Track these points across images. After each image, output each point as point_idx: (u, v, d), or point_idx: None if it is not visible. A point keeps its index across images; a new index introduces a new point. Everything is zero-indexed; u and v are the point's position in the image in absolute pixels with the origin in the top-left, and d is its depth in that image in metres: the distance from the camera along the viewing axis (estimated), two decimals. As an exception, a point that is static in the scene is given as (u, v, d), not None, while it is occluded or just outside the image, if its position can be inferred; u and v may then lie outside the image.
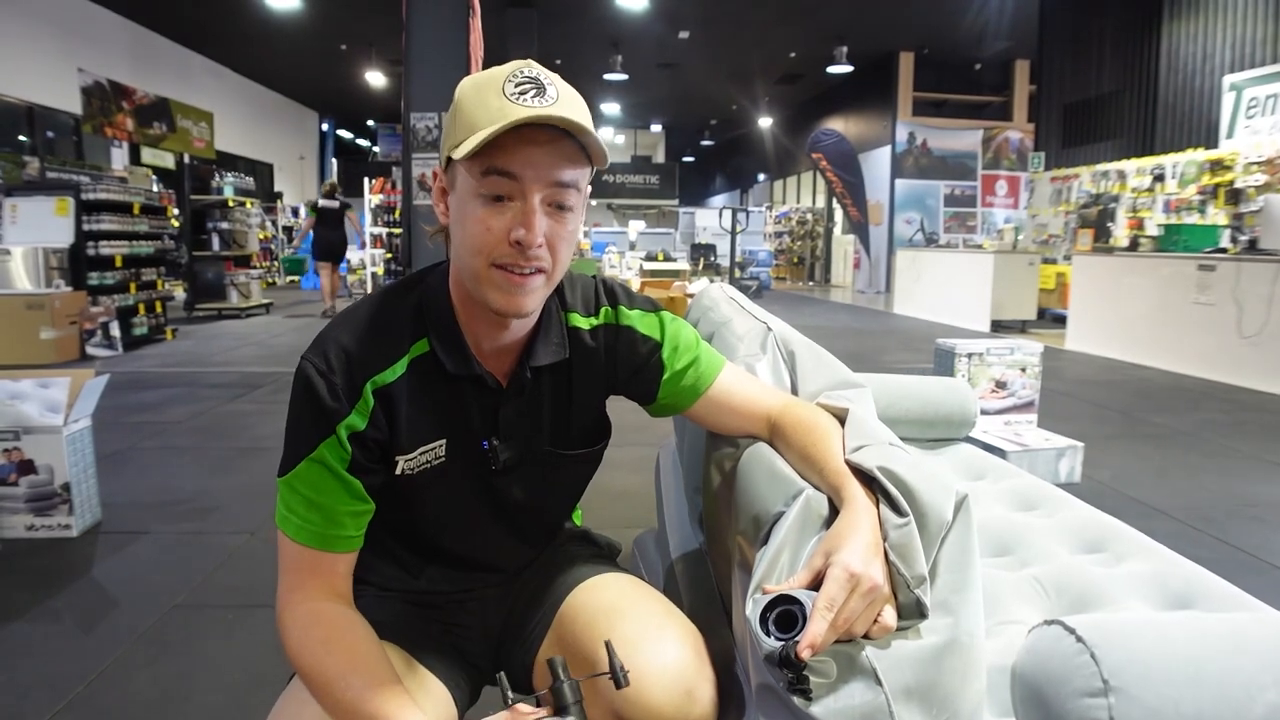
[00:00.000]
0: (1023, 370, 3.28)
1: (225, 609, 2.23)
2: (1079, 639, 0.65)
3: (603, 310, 1.00)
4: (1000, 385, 3.27)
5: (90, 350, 6.45)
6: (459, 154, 0.79)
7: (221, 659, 1.96)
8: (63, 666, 1.91)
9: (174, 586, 2.35)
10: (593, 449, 1.04)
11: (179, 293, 9.90)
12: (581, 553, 1.12)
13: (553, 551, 1.11)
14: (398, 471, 0.91)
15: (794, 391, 1.09)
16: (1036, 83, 12.25)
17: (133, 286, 7.22)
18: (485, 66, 5.65)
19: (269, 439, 4.00)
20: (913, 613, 0.78)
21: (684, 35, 13.36)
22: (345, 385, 0.85)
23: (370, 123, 21.36)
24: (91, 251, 6.77)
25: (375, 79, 15.08)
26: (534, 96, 0.80)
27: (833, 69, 13.95)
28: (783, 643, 0.70)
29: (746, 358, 1.13)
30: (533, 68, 0.83)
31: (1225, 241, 7.00)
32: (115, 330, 6.67)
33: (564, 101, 0.81)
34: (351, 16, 12.13)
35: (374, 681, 0.79)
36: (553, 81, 0.82)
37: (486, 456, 0.95)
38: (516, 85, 0.80)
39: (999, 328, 8.94)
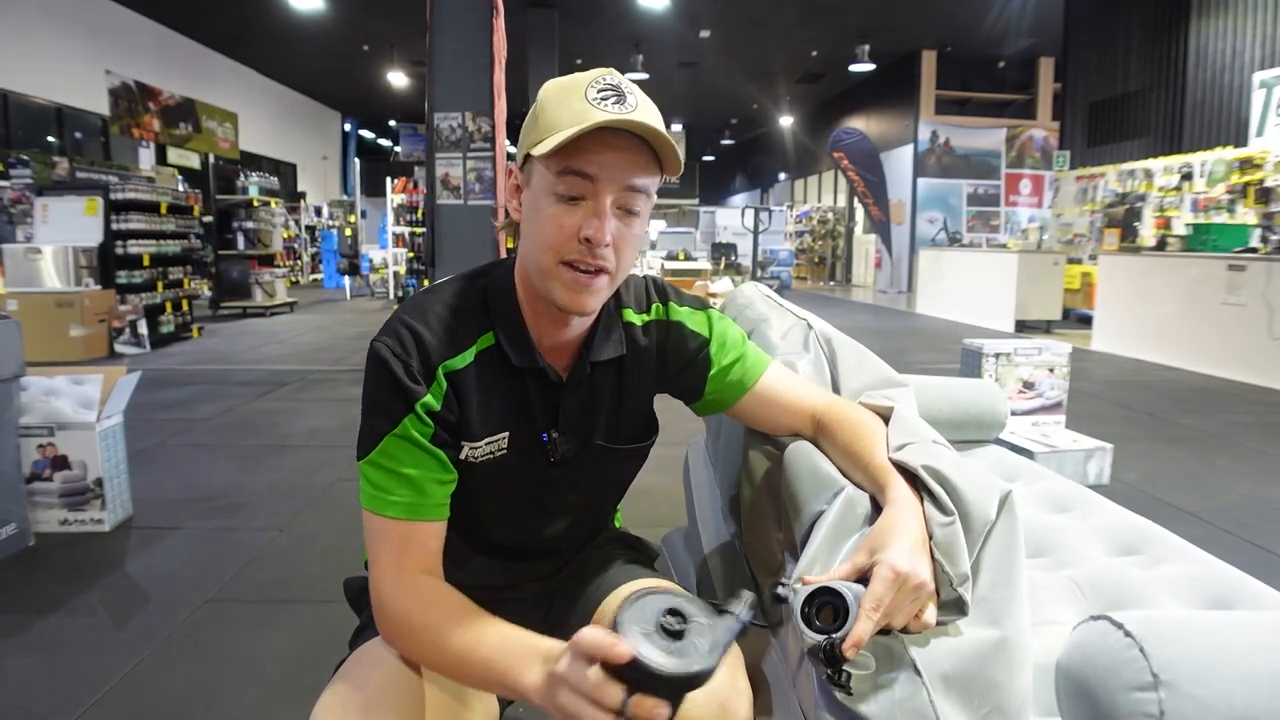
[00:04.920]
0: (1051, 371, 3.25)
1: (258, 604, 2.26)
2: (1127, 634, 0.65)
3: (654, 307, 1.03)
4: (1028, 386, 3.24)
5: (118, 348, 6.55)
6: (539, 151, 0.83)
7: (255, 655, 1.98)
8: (98, 660, 1.94)
9: (206, 582, 2.38)
10: (641, 445, 1.06)
11: (205, 291, 10.02)
12: (620, 555, 1.12)
13: (592, 553, 1.12)
14: (462, 456, 0.93)
15: (835, 389, 1.09)
16: (1062, 80, 12.12)
17: (160, 285, 7.32)
18: (509, 67, 5.68)
19: (297, 436, 4.04)
20: (953, 610, 0.78)
21: (705, 34, 13.34)
22: (420, 367, 0.88)
23: (392, 123, 21.49)
24: (120, 250, 6.88)
25: (397, 79, 15.18)
26: (615, 103, 0.83)
27: (855, 67, 13.89)
28: (826, 636, 0.70)
29: (787, 355, 1.13)
30: (614, 76, 0.87)
31: (1255, 241, 6.90)
32: (143, 328, 6.76)
33: (643, 110, 0.84)
34: (373, 17, 12.22)
35: (483, 625, 0.82)
36: (633, 91, 0.86)
37: (546, 449, 0.97)
38: (599, 91, 0.84)
39: (1023, 328, 8.86)
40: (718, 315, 1.06)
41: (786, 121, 20.61)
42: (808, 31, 13.12)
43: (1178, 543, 1.37)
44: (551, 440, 0.97)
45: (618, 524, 1.22)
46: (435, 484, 0.89)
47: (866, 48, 13.28)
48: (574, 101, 0.83)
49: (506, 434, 0.94)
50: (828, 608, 0.72)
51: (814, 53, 14.61)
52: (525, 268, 0.91)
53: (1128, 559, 1.34)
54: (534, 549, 1.07)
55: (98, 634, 2.08)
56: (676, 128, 24.32)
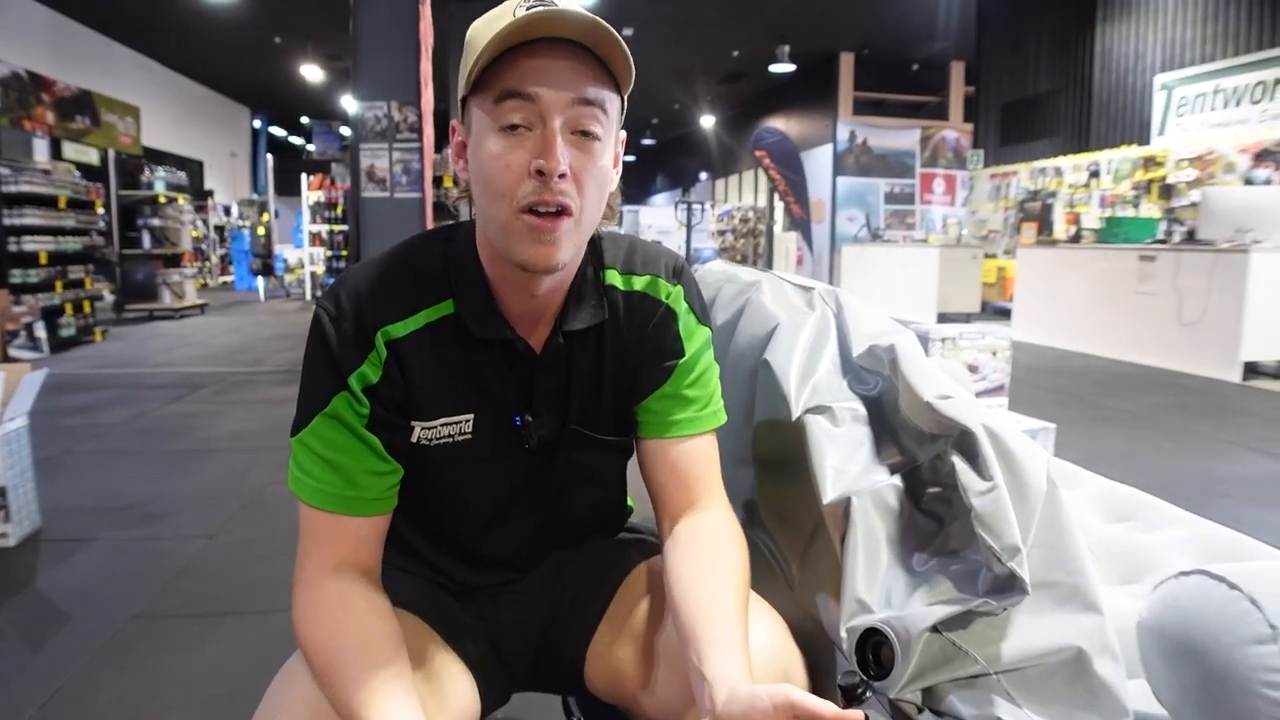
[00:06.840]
0: (994, 354, 3.30)
1: (190, 618, 2.08)
2: (1232, 586, 0.60)
3: (656, 280, 0.89)
4: (972, 369, 3.28)
5: (13, 352, 6.09)
6: (469, 79, 0.74)
7: (191, 672, 1.82)
8: (12, 688, 1.75)
9: (130, 596, 2.19)
10: (624, 438, 0.92)
11: (107, 294, 9.45)
12: (634, 540, 1.02)
13: (601, 541, 1.01)
14: (413, 439, 0.82)
15: (845, 340, 1.02)
16: (975, 82, 12.56)
17: (59, 285, 6.84)
18: (435, 56, 5.50)
19: (219, 440, 3.80)
20: (1009, 590, 0.72)
21: (628, 32, 13.29)
22: (355, 332, 0.77)
23: (304, 119, 20.74)
24: (14, 247, 6.40)
25: (311, 73, 14.60)
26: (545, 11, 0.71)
27: (775, 68, 14.05)
28: (862, 680, 0.71)
29: (793, 315, 1.06)
30: None
31: (1162, 234, 7.25)
32: (41, 331, 6.32)
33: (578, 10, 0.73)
34: (287, 7, 11.73)
35: (363, 669, 0.70)
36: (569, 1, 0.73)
37: (519, 434, 0.85)
38: (528, 7, 0.72)
39: (944, 320, 9.10)
40: (709, 343, 0.91)
41: (708, 121, 20.75)
42: (729, 32, 13.22)
43: (1166, 507, 1.37)
44: (525, 425, 0.85)
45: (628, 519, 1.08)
46: (369, 476, 0.78)
47: (787, 49, 13.45)
48: (499, 22, 0.71)
49: (470, 416, 0.83)
50: (879, 646, 0.73)
51: (735, 53, 14.74)
52: (485, 229, 0.79)
53: (1124, 525, 1.33)
54: (500, 550, 0.93)
55: (9, 659, 1.88)
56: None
